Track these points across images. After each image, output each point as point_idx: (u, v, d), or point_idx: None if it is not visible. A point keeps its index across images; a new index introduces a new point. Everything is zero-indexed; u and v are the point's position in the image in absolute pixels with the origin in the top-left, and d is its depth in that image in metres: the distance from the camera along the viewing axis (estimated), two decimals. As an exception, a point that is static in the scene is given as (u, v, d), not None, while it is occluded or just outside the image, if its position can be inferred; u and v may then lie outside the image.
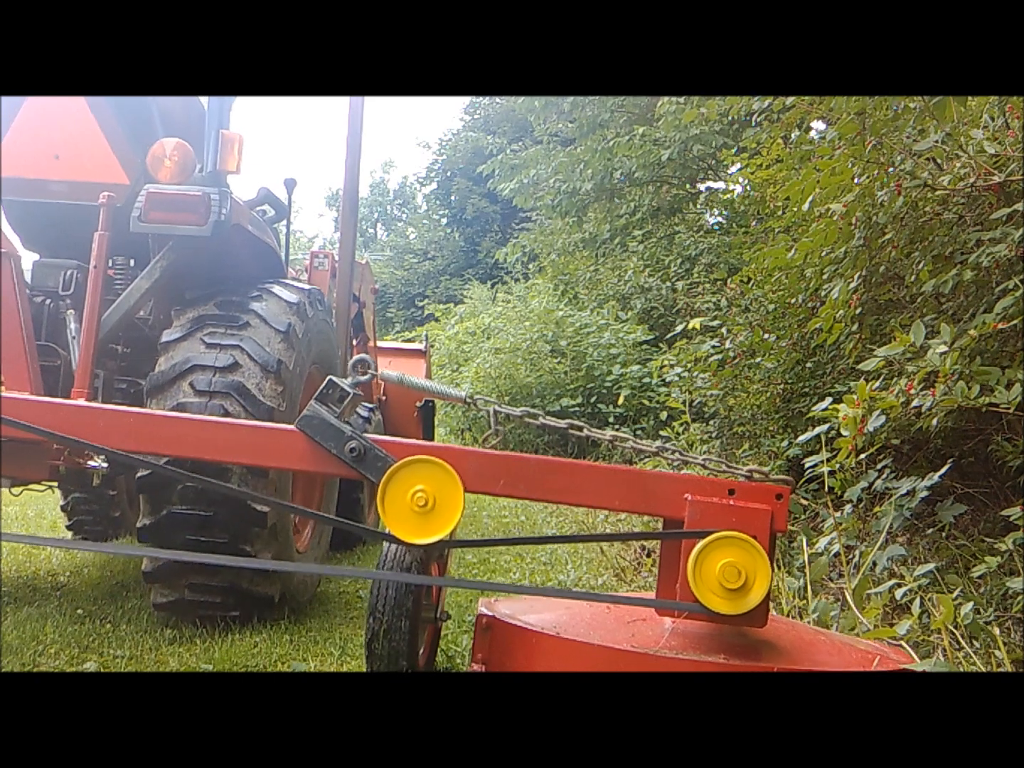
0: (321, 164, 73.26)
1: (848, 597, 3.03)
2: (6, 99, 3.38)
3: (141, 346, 3.40)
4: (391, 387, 5.40)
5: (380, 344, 6.78)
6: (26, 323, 2.91)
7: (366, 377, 2.39)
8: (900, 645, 2.55)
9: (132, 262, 3.35)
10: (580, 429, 2.59)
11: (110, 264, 3.40)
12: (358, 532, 2.69)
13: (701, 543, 2.20)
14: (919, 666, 2.22)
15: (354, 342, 5.57)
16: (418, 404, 6.33)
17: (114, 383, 3.27)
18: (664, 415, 8.00)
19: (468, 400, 2.63)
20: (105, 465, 3.29)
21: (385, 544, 2.36)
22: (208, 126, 3.21)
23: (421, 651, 2.50)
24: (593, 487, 2.40)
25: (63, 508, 5.00)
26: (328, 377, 2.36)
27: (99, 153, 3.24)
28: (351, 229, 4.26)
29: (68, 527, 5.04)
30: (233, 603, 3.15)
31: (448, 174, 29.69)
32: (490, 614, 2.41)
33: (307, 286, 3.60)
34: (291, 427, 2.31)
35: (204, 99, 3.54)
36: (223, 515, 2.98)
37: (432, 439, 6.63)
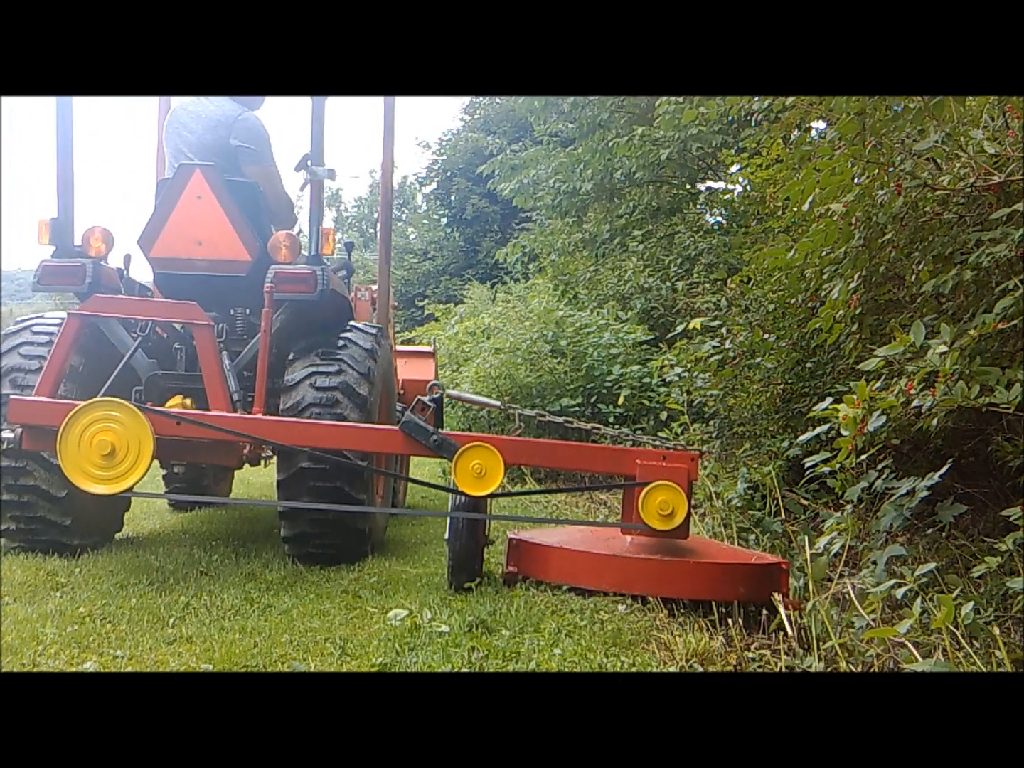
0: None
1: (851, 595, 3.03)
2: (159, 204, 4.43)
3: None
4: (408, 381, 6.53)
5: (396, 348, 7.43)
6: (221, 368, 4.17)
7: (438, 395, 3.90)
8: (903, 644, 2.55)
9: (248, 311, 4.64)
10: (571, 423, 4.42)
11: (232, 312, 4.65)
12: (438, 488, 4.45)
13: (646, 488, 3.55)
14: (919, 666, 2.22)
15: None
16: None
17: (245, 396, 4.43)
18: (664, 415, 7.98)
19: (504, 407, 4.77)
20: (271, 454, 4.67)
21: (452, 495, 3.78)
22: (311, 223, 4.50)
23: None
24: (582, 458, 4.03)
25: (162, 465, 6.08)
26: (417, 397, 3.87)
27: (228, 238, 4.46)
28: (386, 277, 6.04)
29: (164, 478, 6.21)
30: (338, 532, 4.30)
31: (448, 174, 29.62)
32: (518, 537, 3.77)
33: (375, 326, 4.92)
34: (395, 428, 3.83)
35: (293, 195, 5.09)
36: (334, 468, 4.18)
37: (442, 424, 7.38)
